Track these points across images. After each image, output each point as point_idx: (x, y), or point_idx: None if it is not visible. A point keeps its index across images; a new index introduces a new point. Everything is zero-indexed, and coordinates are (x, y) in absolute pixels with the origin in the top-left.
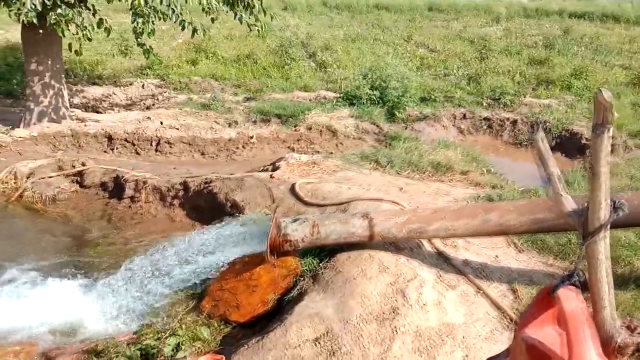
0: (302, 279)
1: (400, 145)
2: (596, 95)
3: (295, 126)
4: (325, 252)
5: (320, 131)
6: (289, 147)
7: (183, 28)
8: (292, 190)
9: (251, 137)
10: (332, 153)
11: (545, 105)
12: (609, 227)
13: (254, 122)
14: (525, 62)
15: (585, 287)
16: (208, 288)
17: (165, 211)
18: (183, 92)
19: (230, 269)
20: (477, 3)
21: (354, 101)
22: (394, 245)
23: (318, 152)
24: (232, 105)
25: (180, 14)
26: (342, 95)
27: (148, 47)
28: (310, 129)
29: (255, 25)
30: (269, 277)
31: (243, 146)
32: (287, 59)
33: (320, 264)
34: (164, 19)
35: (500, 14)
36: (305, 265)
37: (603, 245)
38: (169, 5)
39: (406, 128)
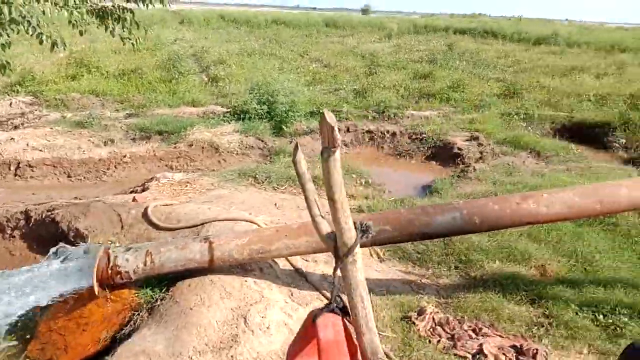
0: (138, 312)
1: (281, 160)
2: (321, 118)
3: (175, 143)
4: (166, 281)
5: (202, 148)
6: (167, 166)
7: (41, 42)
8: (145, 214)
9: (124, 156)
10: (213, 170)
11: (426, 117)
12: (358, 250)
13: (133, 139)
14: (411, 76)
15: (347, 312)
16: (36, 330)
17: (4, 244)
18: (58, 109)
19: (61, 307)
20: (371, 19)
21: (242, 116)
22: (242, 267)
23: (199, 169)
24: (110, 122)
25: (38, 25)
26: (230, 110)
27: (4, 62)
28: (191, 145)
29: (129, 39)
30: (102, 313)
31: (115, 166)
32: (175, 73)
33: (159, 295)
34: (18, 31)
35: (392, 30)
36: (142, 297)
37: (355, 268)
38: (24, 17)
39: (291, 142)
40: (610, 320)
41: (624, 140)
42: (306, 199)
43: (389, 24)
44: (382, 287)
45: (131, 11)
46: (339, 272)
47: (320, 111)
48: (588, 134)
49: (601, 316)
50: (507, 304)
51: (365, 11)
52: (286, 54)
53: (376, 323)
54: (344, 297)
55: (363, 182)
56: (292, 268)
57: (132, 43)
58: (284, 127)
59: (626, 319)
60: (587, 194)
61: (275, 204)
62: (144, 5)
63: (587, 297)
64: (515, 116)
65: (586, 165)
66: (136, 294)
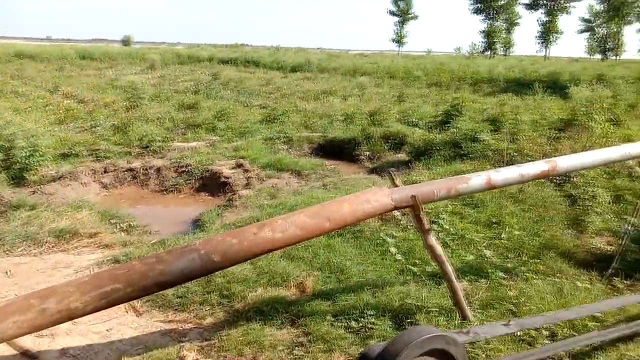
0: None
1: (18, 216)
2: None
3: None
4: None
5: None
6: None
7: None
8: None
9: None
10: None
11: (192, 148)
12: None
13: None
14: (176, 107)
15: None
16: None
17: None
18: None
19: None
20: (132, 50)
21: None
22: None
23: None
24: None
25: None
26: None
27: None
28: None
29: None
30: None
31: None
32: None
33: None
34: None
35: (155, 61)
36: None
37: None
38: None
39: (34, 193)
40: (361, 324)
41: (368, 153)
42: None
43: (151, 55)
44: (140, 346)
45: None
46: None
47: (73, 152)
48: (340, 150)
49: (353, 322)
50: (268, 331)
51: (126, 42)
52: (31, 90)
53: None
54: None
55: (125, 227)
56: (17, 349)
57: None
58: (26, 175)
59: (374, 320)
60: (317, 214)
61: (7, 272)
62: None
63: (341, 306)
64: (277, 140)
65: (339, 179)
66: None
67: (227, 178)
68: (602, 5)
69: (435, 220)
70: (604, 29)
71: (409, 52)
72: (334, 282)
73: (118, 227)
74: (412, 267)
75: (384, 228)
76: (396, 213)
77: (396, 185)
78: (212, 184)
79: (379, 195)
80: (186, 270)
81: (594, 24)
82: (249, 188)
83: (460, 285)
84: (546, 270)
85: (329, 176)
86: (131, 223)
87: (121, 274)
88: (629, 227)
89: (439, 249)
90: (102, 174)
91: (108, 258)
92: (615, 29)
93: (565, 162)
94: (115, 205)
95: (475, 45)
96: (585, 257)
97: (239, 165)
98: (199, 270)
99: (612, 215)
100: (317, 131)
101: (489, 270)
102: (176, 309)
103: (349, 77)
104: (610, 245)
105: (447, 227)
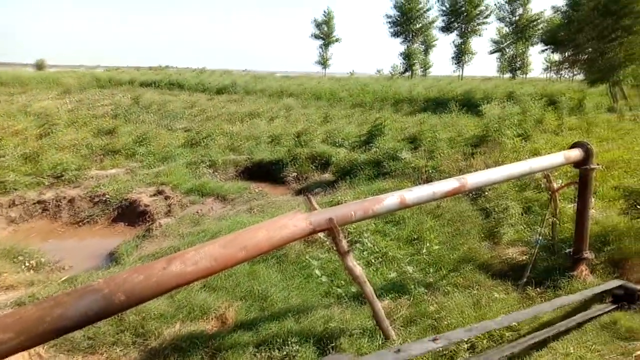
0: None
1: None
2: None
3: None
4: None
5: None
6: None
7: None
8: None
9: None
10: None
11: (110, 175)
12: None
13: None
14: (93, 133)
15: None
16: None
17: None
18: None
19: None
20: (47, 75)
21: None
22: None
23: None
24: None
25: None
26: None
27: None
28: None
29: None
30: None
31: None
32: None
33: None
34: None
35: (71, 85)
36: None
37: None
38: None
39: None
40: (284, 352)
41: (295, 174)
42: None
43: (67, 79)
44: None
45: None
46: None
47: None
48: (267, 172)
49: (276, 351)
50: None
51: (39, 66)
52: None
53: None
54: None
55: (33, 264)
56: None
57: None
58: None
59: (297, 347)
60: (231, 243)
61: None
62: None
63: (263, 335)
64: (201, 164)
65: (266, 202)
66: None
67: (147, 206)
68: (509, 28)
69: (359, 239)
70: (511, 49)
71: (333, 74)
72: (257, 311)
73: (25, 265)
74: (337, 289)
75: (309, 250)
76: (321, 234)
77: (314, 209)
78: (131, 213)
79: (296, 219)
80: (89, 313)
81: (503, 45)
82: (171, 216)
83: (384, 304)
84: (465, 283)
85: (256, 199)
86: (41, 260)
87: (12, 322)
88: (539, 237)
89: (358, 270)
90: (8, 207)
91: (11, 301)
92: (521, 50)
93: (474, 179)
94: (24, 241)
95: (396, 66)
96: (501, 267)
97: (160, 192)
98: (103, 311)
99: (523, 226)
100: (244, 153)
101: (411, 287)
102: (85, 352)
103: (276, 98)
104: (524, 254)
105: (371, 246)
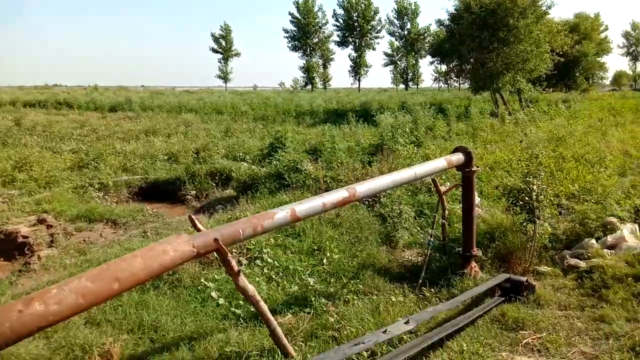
0: None
1: None
2: None
3: None
4: None
5: None
6: None
7: None
8: None
9: None
10: None
11: None
12: None
13: None
14: None
15: None
16: None
17: None
18: None
19: None
20: None
21: None
22: None
23: None
24: None
25: None
26: None
27: None
28: None
29: None
30: None
31: None
32: None
33: None
34: None
35: None
36: None
37: None
38: None
39: None
40: None
41: (194, 192)
42: None
43: None
44: None
45: None
46: None
47: None
48: (164, 192)
49: None
50: None
51: None
52: None
53: None
54: None
55: None
56: None
57: None
58: None
59: None
60: (101, 276)
61: None
62: None
63: None
64: (89, 187)
65: (162, 223)
66: None
67: (26, 237)
68: (399, 42)
69: (259, 255)
70: (403, 62)
71: (236, 88)
72: (147, 344)
73: None
74: (236, 310)
75: (205, 272)
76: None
77: (198, 230)
78: (7, 247)
79: (177, 243)
80: None
81: (395, 58)
82: (53, 246)
83: (285, 320)
84: (365, 289)
85: (151, 222)
86: None
87: None
88: (431, 239)
89: (250, 289)
90: None
91: None
92: (412, 62)
93: (363, 188)
94: None
95: (297, 80)
96: (399, 271)
97: (41, 221)
98: None
99: (417, 229)
100: (138, 173)
101: (313, 299)
102: None
103: (175, 114)
104: (420, 256)
105: (271, 261)
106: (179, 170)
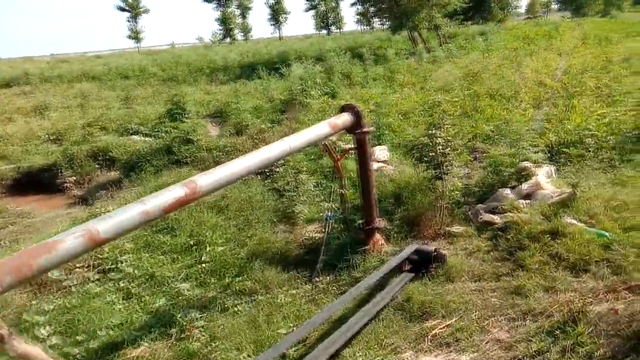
0: None
1: None
2: None
3: None
4: None
5: None
6: None
7: None
8: None
9: None
10: None
11: None
12: None
13: None
14: None
15: None
16: None
17: None
18: None
19: None
20: None
21: None
22: None
23: None
24: None
25: None
26: None
27: None
28: None
29: None
30: None
31: None
32: None
33: None
34: None
35: None
36: None
37: None
38: None
39: None
40: None
41: (74, 178)
42: None
43: None
44: None
45: None
46: None
47: None
48: (40, 181)
49: None
50: None
51: None
52: None
53: None
54: None
55: None
56: None
57: None
58: None
59: None
60: None
61: None
62: None
63: None
64: None
65: (26, 224)
66: None
67: None
68: None
69: (115, 265)
70: (323, 6)
71: (151, 47)
72: None
73: None
74: (73, 349)
75: (34, 303)
76: (55, 275)
77: None
78: None
79: None
80: None
81: (315, 2)
82: None
83: (137, 353)
84: (252, 287)
85: (14, 223)
86: None
87: None
88: (329, 213)
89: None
90: None
91: None
92: (332, 5)
93: (210, 179)
94: None
95: (216, 33)
96: (298, 253)
97: None
98: None
99: (321, 199)
100: (13, 161)
101: (180, 314)
102: None
103: (76, 84)
104: (321, 232)
105: (132, 271)
106: (57, 154)
